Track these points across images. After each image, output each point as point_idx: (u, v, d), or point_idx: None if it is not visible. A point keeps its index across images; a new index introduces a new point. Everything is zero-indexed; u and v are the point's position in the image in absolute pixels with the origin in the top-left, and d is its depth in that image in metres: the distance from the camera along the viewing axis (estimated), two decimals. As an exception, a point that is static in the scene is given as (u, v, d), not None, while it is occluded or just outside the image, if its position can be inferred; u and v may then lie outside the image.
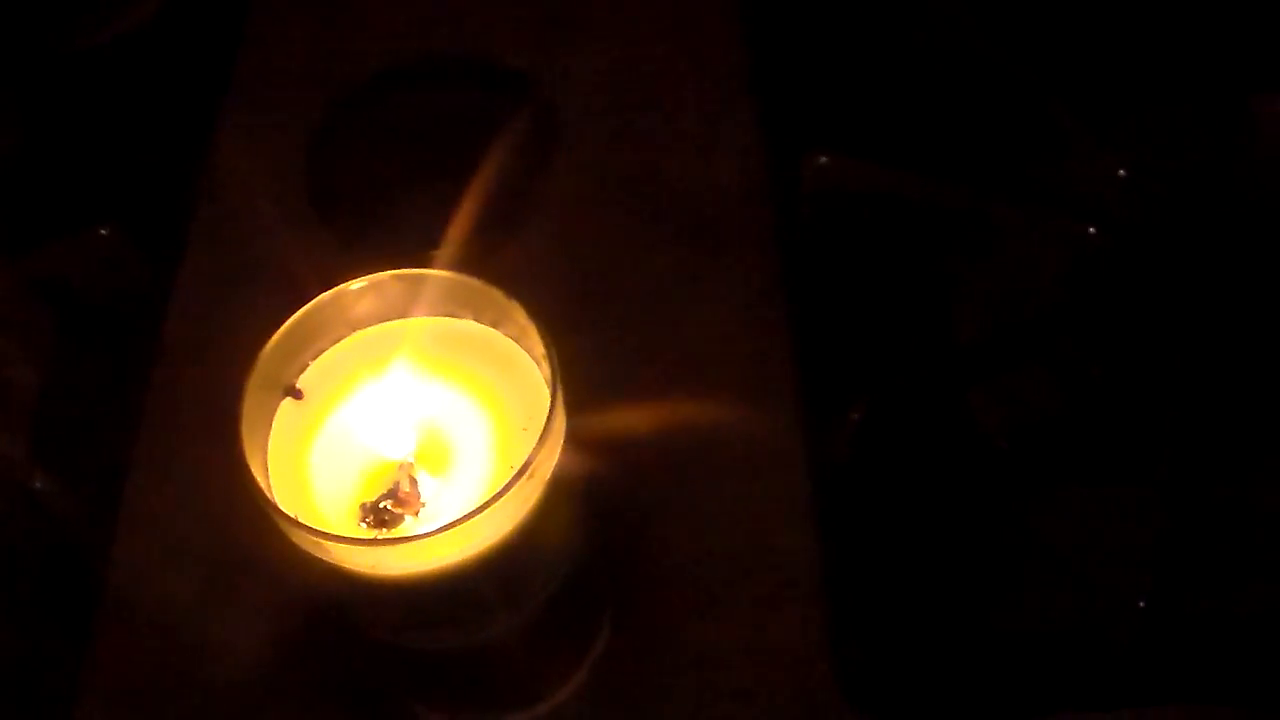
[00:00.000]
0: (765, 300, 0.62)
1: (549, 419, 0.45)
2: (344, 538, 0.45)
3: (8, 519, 0.60)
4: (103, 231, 0.66)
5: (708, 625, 0.55)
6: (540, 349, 0.47)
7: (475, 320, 0.50)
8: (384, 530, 0.47)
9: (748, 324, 0.61)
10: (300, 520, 0.44)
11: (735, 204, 0.65)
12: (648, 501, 0.57)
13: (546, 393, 0.48)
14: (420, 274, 0.49)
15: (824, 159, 0.65)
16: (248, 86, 0.75)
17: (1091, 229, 0.62)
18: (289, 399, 0.50)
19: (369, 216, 0.68)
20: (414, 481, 0.48)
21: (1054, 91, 0.69)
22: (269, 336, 0.48)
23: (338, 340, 0.51)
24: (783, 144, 0.67)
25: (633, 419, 0.57)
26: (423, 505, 0.48)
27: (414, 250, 0.65)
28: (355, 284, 0.49)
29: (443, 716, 0.57)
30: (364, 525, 0.47)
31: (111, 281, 0.66)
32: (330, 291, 0.49)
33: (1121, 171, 0.66)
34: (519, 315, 0.48)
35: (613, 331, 0.61)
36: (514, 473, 0.45)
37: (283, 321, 0.49)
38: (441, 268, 0.51)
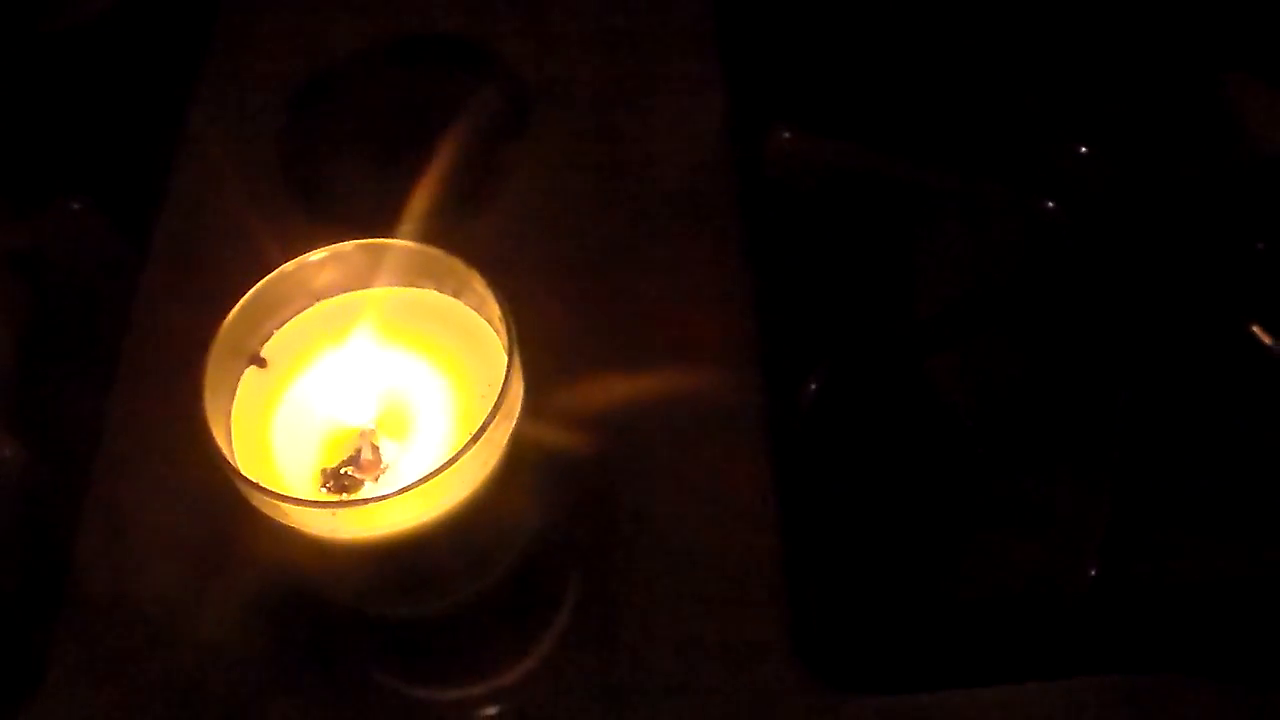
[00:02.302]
0: (730, 271, 0.62)
1: (505, 383, 0.46)
2: (303, 500, 0.46)
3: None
4: (74, 205, 0.67)
5: (670, 596, 0.56)
6: (497, 316, 0.48)
7: (437, 290, 0.51)
8: (345, 495, 0.48)
9: (712, 295, 0.62)
10: (261, 484, 0.45)
11: (701, 175, 0.66)
12: (611, 471, 0.58)
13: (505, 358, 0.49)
14: (382, 244, 0.50)
15: (787, 133, 0.65)
16: (221, 61, 0.75)
17: (1050, 203, 0.63)
18: (253, 367, 0.51)
19: (339, 193, 0.69)
20: (375, 448, 0.49)
21: (1016, 66, 0.70)
22: (233, 306, 0.49)
23: (301, 310, 0.52)
24: (748, 117, 0.67)
25: (597, 388, 0.58)
26: (383, 471, 0.48)
27: (383, 225, 0.66)
28: (317, 254, 0.50)
29: (404, 685, 0.57)
30: (325, 490, 0.48)
31: (84, 254, 0.67)
32: (293, 261, 0.50)
33: (1082, 148, 0.67)
34: (478, 284, 0.49)
35: (577, 303, 0.61)
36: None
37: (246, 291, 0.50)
38: (387, 238, 0.52)
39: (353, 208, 0.67)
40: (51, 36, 0.78)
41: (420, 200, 0.65)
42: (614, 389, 0.59)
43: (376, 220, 0.65)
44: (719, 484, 0.57)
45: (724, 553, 0.56)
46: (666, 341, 0.61)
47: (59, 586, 0.57)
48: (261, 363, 0.51)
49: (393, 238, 0.52)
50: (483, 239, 0.63)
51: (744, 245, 0.63)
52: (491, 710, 0.55)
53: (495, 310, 0.48)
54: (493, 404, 0.46)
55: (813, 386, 0.57)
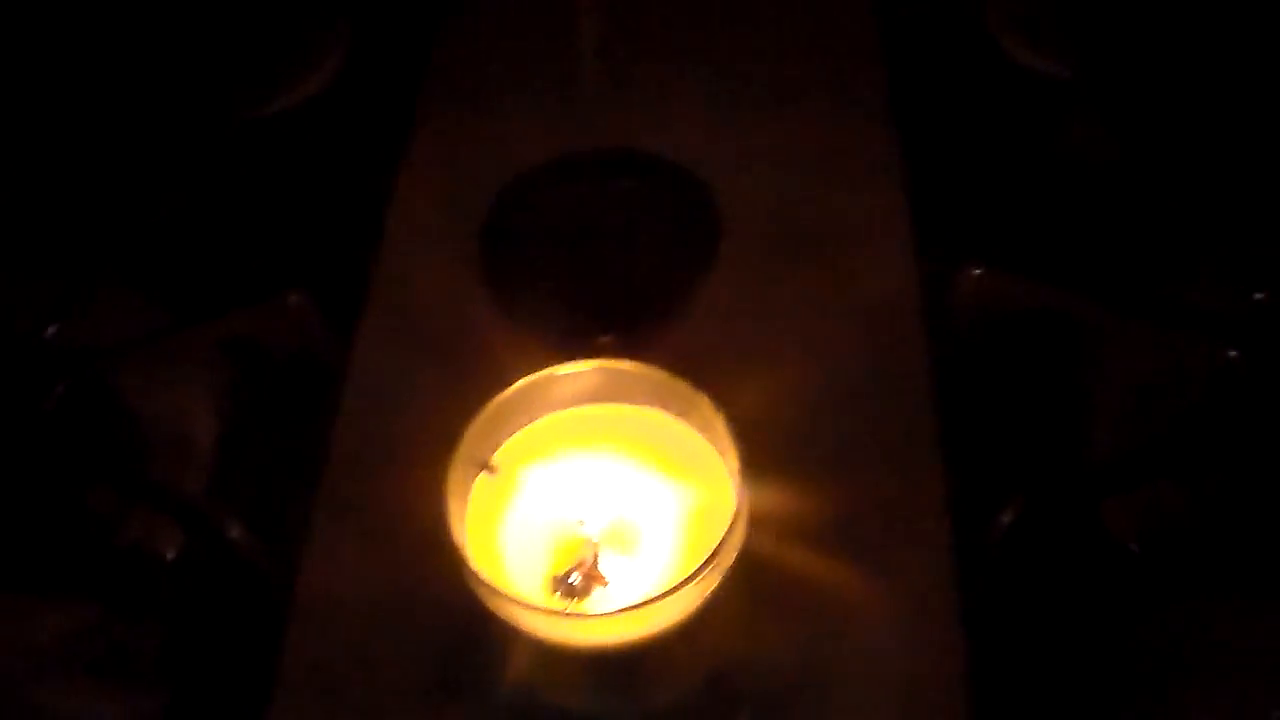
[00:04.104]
0: (917, 406, 0.65)
1: (734, 515, 0.49)
2: (546, 609, 0.49)
3: (200, 563, 0.64)
4: (292, 298, 0.70)
5: (847, 704, 0.57)
6: (727, 443, 0.51)
7: (663, 410, 0.54)
8: (573, 602, 0.50)
9: (899, 426, 0.64)
10: (504, 591, 0.48)
11: (889, 309, 0.68)
12: (797, 587, 0.60)
13: (726, 482, 0.52)
14: (617, 365, 0.53)
15: (977, 270, 0.68)
16: (421, 165, 0.79)
17: (1233, 352, 0.65)
18: (484, 473, 0.54)
19: (536, 294, 0.72)
20: (597, 558, 0.52)
21: (1195, 213, 0.72)
22: (464, 410, 0.53)
23: (532, 420, 0.55)
24: (936, 254, 0.70)
25: (789, 508, 0.60)
26: (607, 582, 0.51)
27: (578, 331, 0.69)
28: (562, 369, 0.53)
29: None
30: (555, 596, 0.50)
31: (297, 343, 0.71)
32: (535, 375, 0.53)
33: (1258, 295, 0.69)
34: (705, 409, 0.52)
35: (766, 424, 0.63)
36: (696, 558, 0.48)
37: (473, 395, 0.53)
38: (611, 353, 0.55)
39: (551, 311, 0.71)
40: (255, 124, 0.82)
41: (620, 309, 0.68)
42: (804, 512, 0.61)
43: (573, 327, 0.70)
44: (905, 609, 0.59)
45: (910, 675, 0.57)
46: (857, 468, 0.63)
47: (275, 664, 0.60)
48: (493, 470, 0.54)
49: (597, 350, 0.55)
50: (678, 351, 0.65)
51: (932, 379, 0.65)
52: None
53: (721, 436, 0.51)
54: (716, 522, 0.49)
55: (1006, 518, 0.59)
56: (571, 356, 0.54)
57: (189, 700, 0.61)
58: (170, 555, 0.65)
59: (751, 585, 0.55)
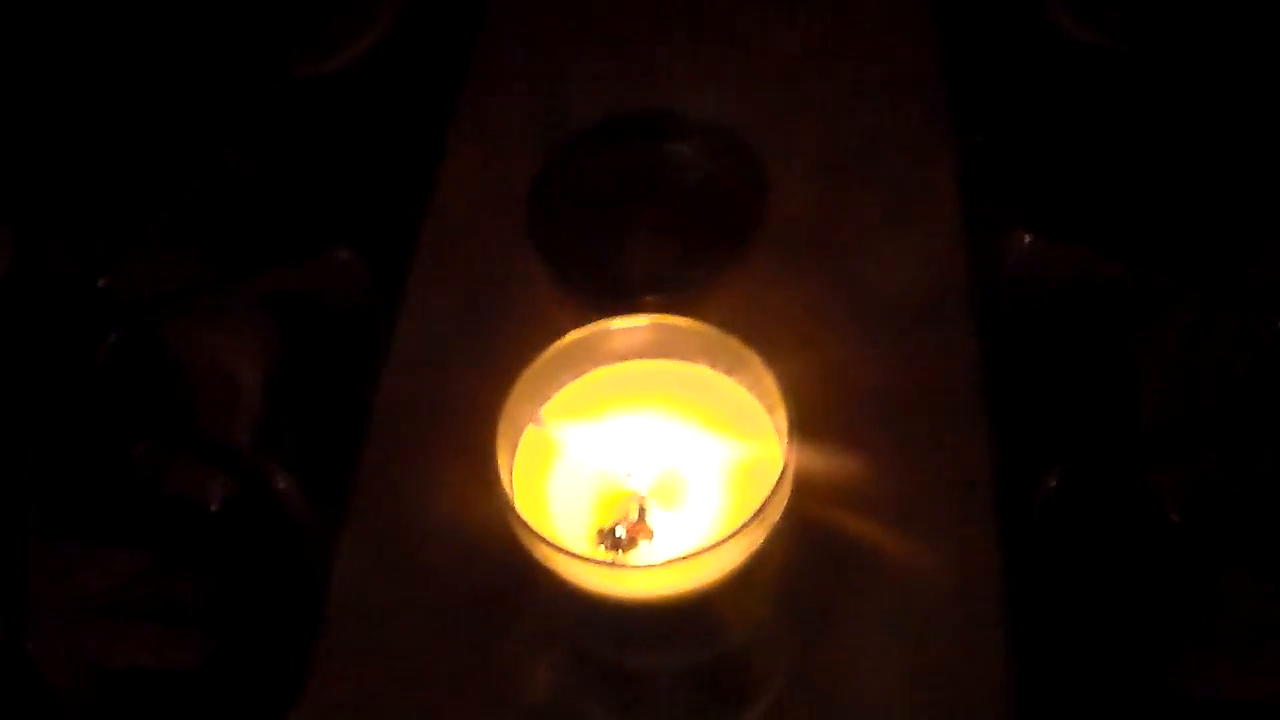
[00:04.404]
0: (964, 369, 0.65)
1: (783, 469, 0.49)
2: (591, 559, 0.49)
3: (247, 510, 0.65)
4: (341, 254, 0.71)
5: (885, 682, 0.58)
6: (775, 399, 0.51)
7: (711, 366, 0.54)
8: (619, 554, 0.51)
9: (947, 390, 0.64)
10: (550, 539, 0.48)
11: (938, 274, 0.68)
12: (844, 547, 0.60)
13: (774, 438, 0.52)
14: (668, 320, 0.53)
15: (1027, 237, 0.68)
16: (473, 123, 0.80)
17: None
18: (532, 425, 0.54)
19: (584, 252, 0.72)
20: (644, 511, 0.52)
21: (1246, 184, 0.71)
22: (513, 363, 0.53)
23: (581, 374, 0.55)
24: (986, 220, 0.70)
25: (836, 468, 0.60)
26: (654, 535, 0.51)
27: (624, 288, 0.70)
28: (614, 323, 0.53)
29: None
30: (602, 549, 0.51)
31: (345, 299, 0.71)
32: (586, 329, 0.53)
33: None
34: (755, 365, 0.52)
35: (815, 384, 0.63)
36: (742, 513, 0.48)
37: (521, 349, 0.53)
38: (657, 310, 0.55)
39: (598, 270, 0.71)
40: (308, 81, 0.83)
41: (667, 270, 0.68)
42: (853, 473, 0.61)
43: (619, 284, 0.70)
44: (950, 573, 0.59)
45: (952, 637, 0.58)
46: (898, 431, 0.63)
47: (318, 618, 0.60)
48: (541, 422, 0.54)
49: (643, 308, 0.55)
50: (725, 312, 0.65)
51: (979, 346, 0.65)
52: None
53: (771, 392, 0.51)
54: (762, 478, 0.49)
55: (1051, 484, 0.59)
56: (619, 313, 0.54)
57: (234, 648, 0.61)
58: (216, 506, 0.66)
59: (798, 544, 0.56)
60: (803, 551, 0.57)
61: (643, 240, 0.73)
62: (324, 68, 0.83)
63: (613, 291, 0.69)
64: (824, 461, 0.58)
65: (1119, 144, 0.74)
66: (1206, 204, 0.71)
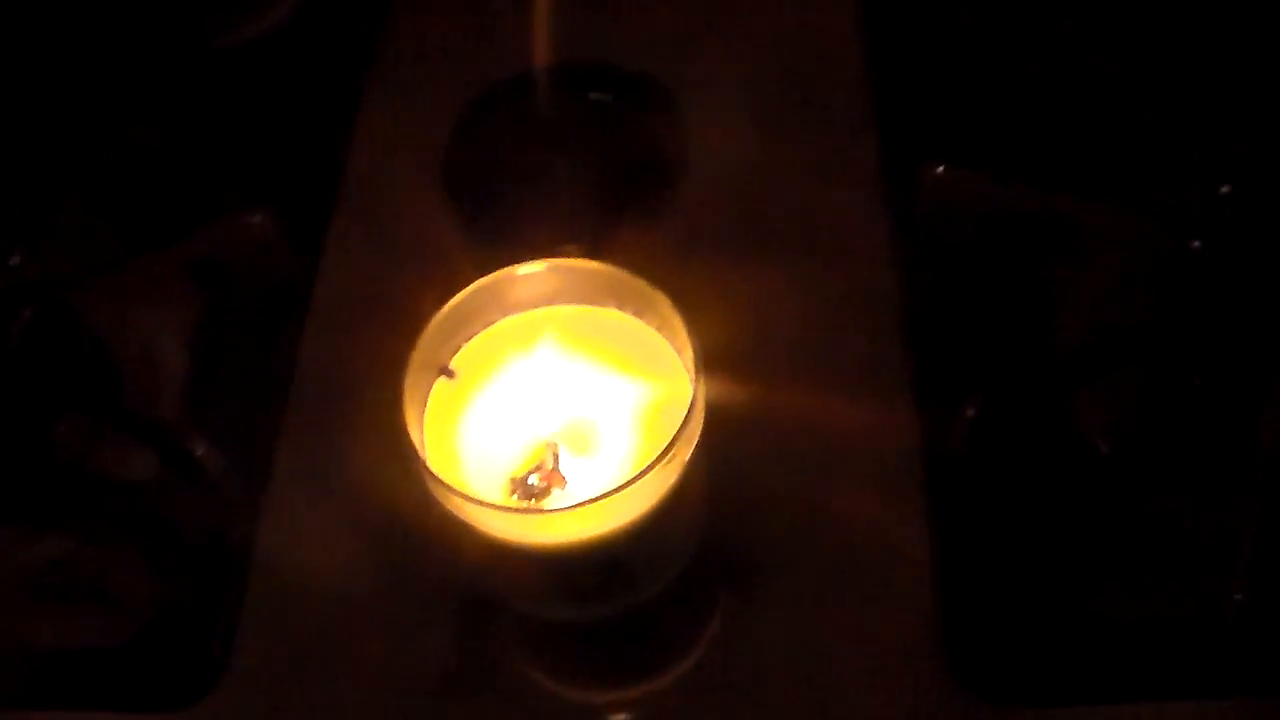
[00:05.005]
0: (882, 303, 0.64)
1: (690, 406, 0.48)
2: (497, 505, 0.48)
3: (169, 482, 0.64)
4: (255, 217, 0.70)
5: (819, 611, 0.58)
6: (683, 339, 0.50)
7: (619, 309, 0.54)
8: (532, 503, 0.50)
9: (864, 326, 0.64)
10: (460, 489, 0.48)
11: (854, 210, 0.68)
12: (765, 487, 0.60)
13: (685, 379, 0.52)
14: (572, 264, 0.53)
15: (940, 168, 0.67)
16: (389, 77, 0.79)
17: (1196, 243, 0.65)
18: (442, 378, 0.53)
19: (502, 207, 0.72)
20: (557, 459, 0.51)
21: (1162, 108, 0.71)
22: (424, 318, 0.52)
23: (488, 325, 0.54)
24: (901, 153, 0.69)
25: (755, 407, 0.60)
26: (566, 482, 0.51)
27: (543, 240, 0.69)
28: (518, 269, 0.52)
29: (561, 688, 0.60)
30: (514, 498, 0.50)
31: (262, 264, 0.70)
32: (490, 277, 0.52)
33: (1225, 188, 0.68)
34: (663, 306, 0.51)
35: (734, 328, 0.63)
36: (655, 454, 0.48)
37: (436, 304, 0.53)
38: (577, 258, 0.54)
39: (517, 223, 0.70)
40: (225, 52, 0.82)
41: (586, 221, 0.68)
42: (772, 407, 0.61)
43: (538, 236, 0.69)
44: (873, 505, 0.59)
45: (878, 570, 0.58)
46: (821, 368, 0.63)
47: (244, 581, 0.60)
48: (451, 374, 0.53)
49: (562, 257, 0.55)
50: (642, 260, 0.65)
51: (896, 277, 0.65)
52: (642, 713, 0.57)
53: (679, 332, 0.51)
54: (672, 419, 0.49)
55: (969, 413, 0.59)
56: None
57: (159, 624, 0.61)
58: (141, 480, 0.65)
59: (716, 493, 0.55)
60: (724, 498, 0.57)
61: (561, 192, 0.72)
62: (238, 37, 0.82)
63: (531, 244, 0.68)
64: (740, 400, 0.58)
65: (1029, 69, 0.74)
66: (1118, 126, 0.71)
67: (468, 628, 0.57)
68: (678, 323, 0.51)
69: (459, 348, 0.54)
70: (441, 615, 0.58)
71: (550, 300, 0.54)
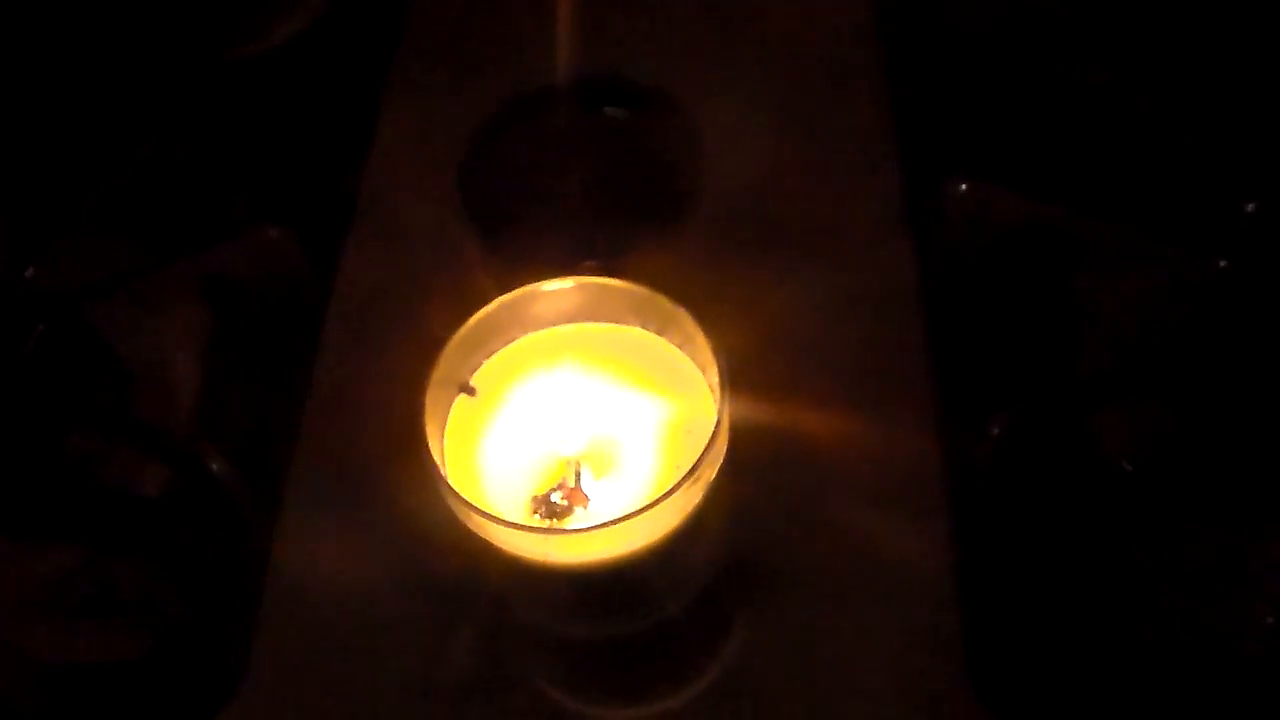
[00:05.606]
0: (906, 320, 0.64)
1: (716, 426, 0.48)
2: (525, 526, 0.48)
3: (184, 501, 0.64)
4: (272, 233, 0.70)
5: (841, 629, 0.57)
6: (707, 357, 0.50)
7: (642, 327, 0.53)
8: (554, 521, 0.50)
9: (888, 346, 0.64)
10: (481, 508, 0.47)
11: (876, 227, 0.67)
12: (789, 504, 0.59)
13: (709, 397, 0.51)
14: (595, 282, 0.52)
15: (964, 185, 0.67)
16: (406, 91, 0.78)
17: (1223, 262, 0.64)
18: (463, 395, 0.53)
19: (520, 222, 0.71)
20: (579, 477, 0.51)
21: (1188, 124, 0.71)
22: (442, 333, 0.52)
23: (510, 341, 0.54)
24: (923, 169, 0.69)
25: (778, 425, 0.60)
26: (589, 500, 0.50)
27: (562, 256, 0.68)
28: (542, 286, 0.52)
29: (581, 704, 0.59)
30: (536, 517, 0.50)
31: (278, 278, 0.70)
32: (512, 293, 0.52)
33: (1250, 205, 0.68)
34: (686, 323, 0.51)
35: (754, 345, 0.62)
36: (679, 474, 0.47)
37: (453, 319, 0.52)
38: (593, 275, 0.54)
39: (534, 239, 0.70)
40: (242, 64, 0.81)
41: (605, 237, 0.67)
42: (796, 426, 0.60)
43: (556, 252, 0.69)
44: (896, 524, 0.58)
45: (901, 589, 0.57)
46: (844, 386, 0.63)
47: (259, 595, 0.59)
48: (472, 391, 0.53)
49: (579, 274, 0.54)
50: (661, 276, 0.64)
51: (920, 295, 0.64)
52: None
53: (703, 349, 0.50)
54: (696, 439, 0.48)
55: (994, 431, 0.59)
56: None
57: (174, 639, 0.60)
58: (154, 494, 0.65)
59: (741, 508, 0.55)
60: (746, 516, 0.56)
61: (579, 207, 0.72)
62: (256, 49, 0.82)
63: (548, 259, 0.68)
64: (763, 418, 0.58)
65: (1057, 87, 0.73)
66: (1143, 143, 0.71)
67: (485, 642, 0.57)
68: (701, 340, 0.50)
69: (480, 364, 0.54)
70: (459, 630, 0.57)
71: (572, 317, 0.54)
